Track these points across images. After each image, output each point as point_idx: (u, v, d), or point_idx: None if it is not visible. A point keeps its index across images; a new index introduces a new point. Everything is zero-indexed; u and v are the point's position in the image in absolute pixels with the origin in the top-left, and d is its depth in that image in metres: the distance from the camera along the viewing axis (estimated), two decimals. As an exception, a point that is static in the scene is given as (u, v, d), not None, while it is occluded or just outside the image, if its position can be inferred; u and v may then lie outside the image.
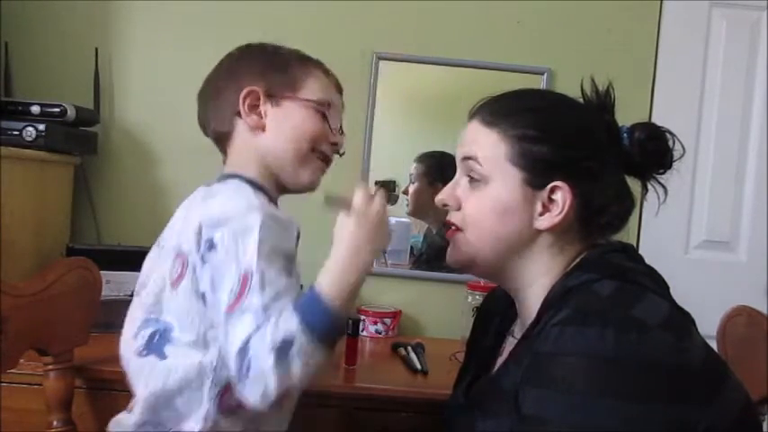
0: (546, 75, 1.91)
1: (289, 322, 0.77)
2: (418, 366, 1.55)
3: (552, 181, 0.80)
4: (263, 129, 0.95)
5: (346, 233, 0.84)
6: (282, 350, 0.75)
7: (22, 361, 1.15)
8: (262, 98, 0.95)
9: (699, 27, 1.94)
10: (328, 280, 0.82)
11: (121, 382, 0.95)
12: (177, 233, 0.90)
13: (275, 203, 0.98)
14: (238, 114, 0.96)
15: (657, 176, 0.86)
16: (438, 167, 1.92)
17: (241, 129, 0.97)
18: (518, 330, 0.88)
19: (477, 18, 1.92)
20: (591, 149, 0.82)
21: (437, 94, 1.95)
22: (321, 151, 0.99)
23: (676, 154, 0.85)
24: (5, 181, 1.43)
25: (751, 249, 1.94)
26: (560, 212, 0.80)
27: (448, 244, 0.88)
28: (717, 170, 1.95)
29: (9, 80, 1.81)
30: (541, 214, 0.81)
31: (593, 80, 0.86)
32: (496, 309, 0.98)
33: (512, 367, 0.79)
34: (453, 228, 0.86)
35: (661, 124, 0.87)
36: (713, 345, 0.94)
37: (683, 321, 0.75)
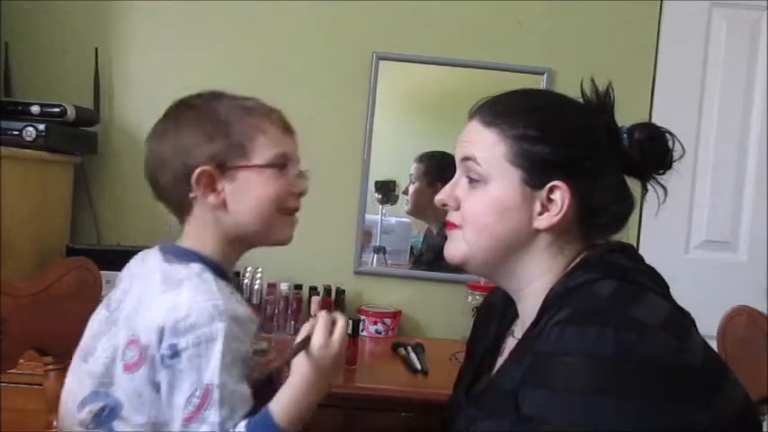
0: (546, 75, 1.91)
1: None
2: (418, 366, 1.55)
3: (551, 181, 0.80)
4: (223, 205, 0.92)
5: (305, 368, 0.86)
6: None
7: (21, 361, 1.15)
8: (215, 175, 0.90)
9: (699, 27, 1.94)
10: (283, 406, 0.85)
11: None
12: (132, 314, 0.88)
13: (235, 284, 0.96)
14: (193, 194, 0.91)
15: (657, 177, 0.86)
16: (438, 167, 1.92)
17: (199, 205, 0.93)
18: (518, 330, 0.88)
19: (477, 18, 1.93)
20: (590, 149, 0.82)
21: (437, 94, 1.95)
22: (288, 207, 0.96)
23: (676, 154, 0.85)
24: (5, 181, 1.43)
25: (751, 249, 1.94)
26: (559, 212, 0.80)
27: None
28: (717, 170, 1.95)
29: (9, 80, 1.81)
30: (540, 214, 0.81)
31: (592, 80, 0.86)
32: (496, 309, 0.98)
33: (512, 367, 0.79)
34: (452, 224, 0.86)
35: (661, 124, 0.87)
36: (713, 345, 0.94)
37: (682, 321, 0.75)
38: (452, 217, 0.86)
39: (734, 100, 1.94)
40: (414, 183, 1.94)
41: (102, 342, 0.90)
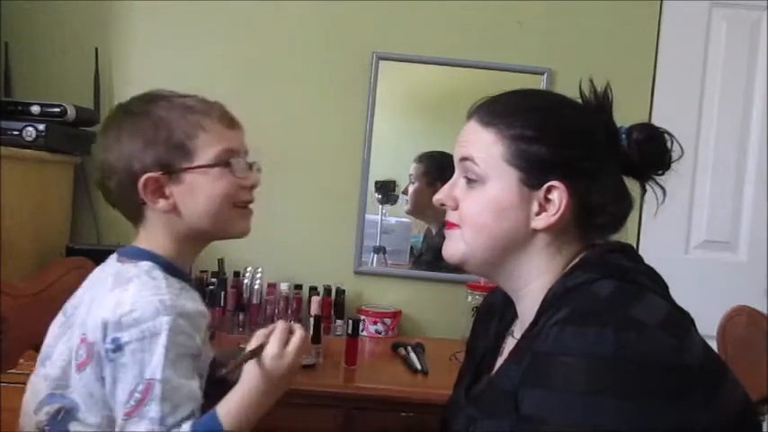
0: (546, 75, 1.91)
1: None
2: (418, 366, 1.55)
3: (548, 181, 0.80)
4: (173, 209, 0.91)
5: (255, 376, 0.86)
6: None
7: (21, 361, 1.15)
8: (162, 180, 0.90)
9: (699, 27, 1.94)
10: (230, 410, 0.85)
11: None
12: (85, 315, 0.88)
13: (192, 281, 0.96)
14: (142, 201, 0.91)
15: (656, 177, 0.86)
16: (438, 167, 1.92)
17: (150, 210, 0.93)
18: (518, 330, 0.88)
19: (477, 18, 1.93)
20: (588, 150, 0.82)
21: (437, 94, 1.95)
22: (241, 201, 0.95)
23: (675, 155, 0.85)
24: (5, 181, 1.43)
25: (751, 249, 1.94)
26: (556, 212, 0.80)
27: None
28: (717, 170, 1.95)
29: (9, 80, 1.81)
30: (538, 214, 0.81)
31: (591, 81, 0.86)
32: (496, 309, 0.98)
33: (511, 367, 0.79)
34: (451, 224, 0.86)
35: (661, 124, 0.87)
36: (713, 345, 0.94)
37: (682, 321, 0.75)
38: (451, 217, 0.87)
39: (734, 100, 1.94)
40: (413, 183, 1.94)
41: (58, 346, 0.91)
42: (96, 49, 1.85)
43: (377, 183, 1.94)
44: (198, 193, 0.91)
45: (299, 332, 0.89)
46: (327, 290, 1.82)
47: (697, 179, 1.94)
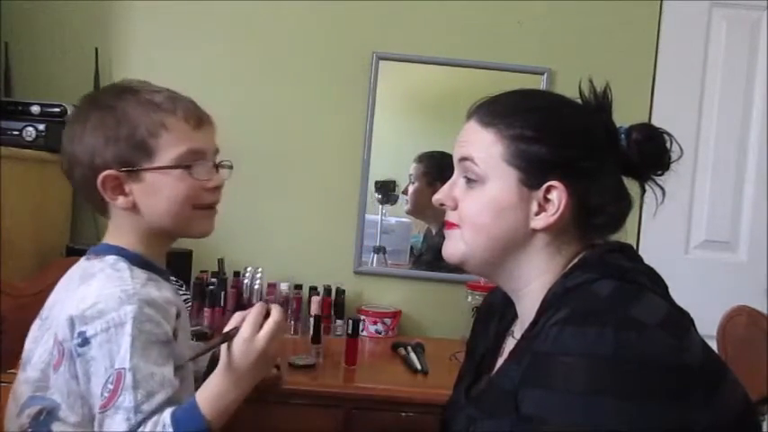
0: (546, 75, 1.91)
1: None
2: (418, 366, 1.55)
3: (548, 181, 0.80)
4: (133, 207, 0.90)
5: (226, 360, 0.85)
6: None
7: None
8: (121, 178, 0.89)
9: (699, 27, 1.94)
10: (209, 397, 0.84)
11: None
12: (57, 315, 0.88)
13: (160, 272, 0.94)
14: (102, 196, 0.90)
15: (656, 177, 0.86)
16: (438, 167, 1.92)
17: (111, 206, 0.92)
18: (518, 330, 0.88)
19: (477, 18, 1.93)
20: (587, 150, 0.82)
21: (437, 94, 1.95)
22: (203, 204, 0.93)
23: (674, 155, 0.85)
24: (5, 181, 1.43)
25: (751, 249, 1.94)
26: (556, 212, 0.80)
27: None
28: (717, 170, 1.95)
29: (9, 80, 1.81)
30: (537, 214, 0.81)
31: (591, 81, 0.86)
32: (496, 309, 0.98)
33: (511, 367, 0.79)
34: (451, 224, 0.86)
35: (661, 124, 0.87)
36: (713, 345, 0.94)
37: (681, 321, 0.75)
38: (450, 216, 0.87)
39: (734, 100, 1.94)
40: (413, 183, 1.95)
41: (37, 349, 0.90)
42: (96, 49, 1.85)
43: (377, 183, 1.94)
44: (158, 193, 0.90)
45: (274, 315, 0.86)
46: (327, 290, 1.82)
47: (697, 179, 1.94)
